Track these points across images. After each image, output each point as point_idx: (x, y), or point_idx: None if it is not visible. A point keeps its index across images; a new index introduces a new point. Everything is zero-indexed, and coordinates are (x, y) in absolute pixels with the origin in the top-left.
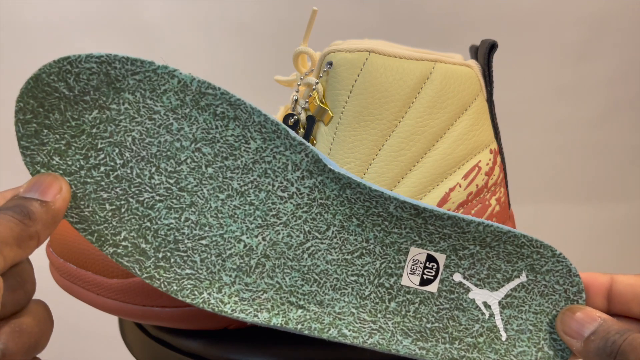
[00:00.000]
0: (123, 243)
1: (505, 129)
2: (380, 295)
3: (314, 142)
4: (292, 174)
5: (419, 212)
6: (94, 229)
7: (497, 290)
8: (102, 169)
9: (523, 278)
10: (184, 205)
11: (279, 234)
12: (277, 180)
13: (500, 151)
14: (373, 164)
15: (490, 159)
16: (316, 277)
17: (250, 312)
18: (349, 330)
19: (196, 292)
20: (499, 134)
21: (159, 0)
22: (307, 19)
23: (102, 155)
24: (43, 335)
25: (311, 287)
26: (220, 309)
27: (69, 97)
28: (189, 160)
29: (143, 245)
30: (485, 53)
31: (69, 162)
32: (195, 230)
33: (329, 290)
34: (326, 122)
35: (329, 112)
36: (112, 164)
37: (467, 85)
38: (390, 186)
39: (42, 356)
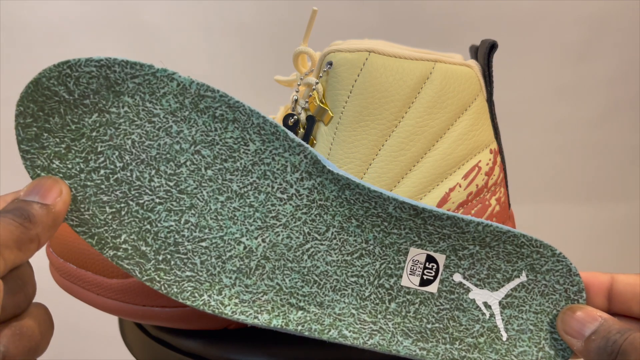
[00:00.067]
0: (123, 246)
1: (505, 129)
2: (380, 296)
3: (314, 142)
4: (291, 176)
5: (418, 212)
6: (94, 231)
7: (497, 290)
8: (102, 172)
9: (523, 278)
10: (184, 208)
11: (279, 235)
12: (276, 182)
13: (500, 151)
14: (373, 164)
15: (490, 159)
16: (316, 278)
17: (250, 314)
18: (350, 331)
19: (196, 294)
20: (499, 134)
21: (159, 0)
22: (307, 19)
23: (102, 158)
24: (43, 339)
25: (311, 288)
26: (220, 310)
27: (69, 101)
28: (188, 163)
29: (143, 248)
30: (485, 53)
31: (69, 166)
32: (195, 232)
33: (329, 291)
34: (326, 122)
35: (329, 112)
36: (112, 166)
37: (467, 85)
38: (390, 186)
39: (42, 356)
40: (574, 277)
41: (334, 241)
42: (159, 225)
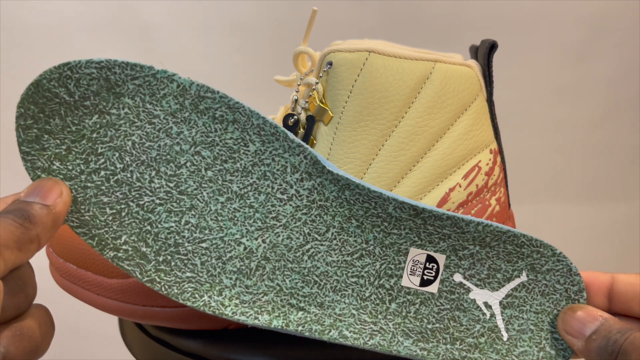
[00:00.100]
0: (123, 247)
1: (505, 129)
2: (380, 297)
3: (314, 142)
4: (291, 176)
5: (418, 212)
6: (94, 233)
7: (497, 290)
8: (103, 173)
9: (523, 278)
10: (184, 209)
11: (279, 236)
12: (276, 183)
13: (500, 151)
14: (373, 164)
15: (490, 159)
16: (316, 278)
17: (251, 315)
18: (350, 332)
19: (197, 295)
20: (499, 134)
21: (159, 0)
22: (307, 19)
23: (103, 160)
24: (44, 340)
25: (311, 289)
26: (221, 311)
27: (70, 103)
28: (188, 164)
29: (143, 249)
30: (485, 53)
31: (70, 167)
32: (196, 233)
33: (329, 291)
34: (326, 122)
35: (329, 112)
36: (113, 168)
37: (467, 85)
38: (390, 186)
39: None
40: (575, 277)
41: (334, 242)
42: (159, 226)
